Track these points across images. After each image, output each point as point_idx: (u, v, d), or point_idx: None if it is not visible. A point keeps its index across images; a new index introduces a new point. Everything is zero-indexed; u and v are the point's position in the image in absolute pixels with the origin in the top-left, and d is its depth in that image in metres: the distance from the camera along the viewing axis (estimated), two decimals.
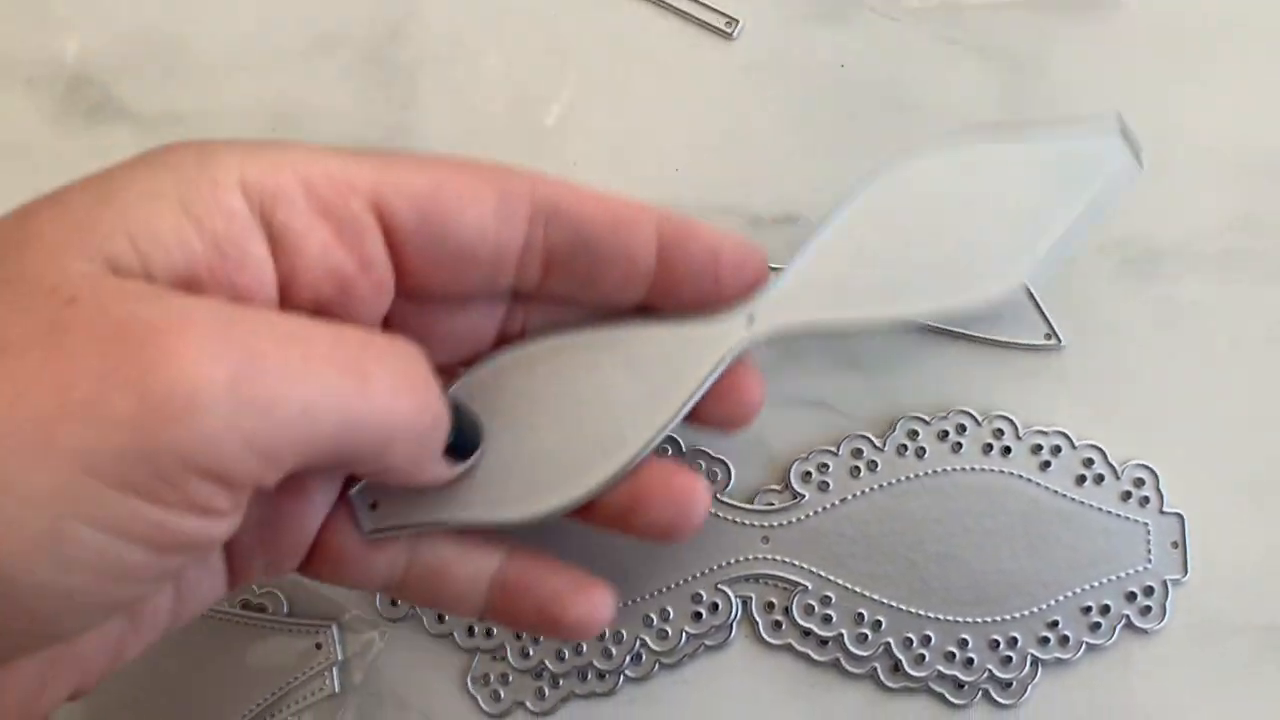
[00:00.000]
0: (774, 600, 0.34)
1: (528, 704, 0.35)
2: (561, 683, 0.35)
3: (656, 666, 0.34)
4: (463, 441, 0.26)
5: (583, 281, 0.27)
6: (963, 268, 0.28)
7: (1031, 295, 0.35)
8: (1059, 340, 0.35)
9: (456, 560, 0.28)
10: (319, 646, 0.35)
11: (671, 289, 0.28)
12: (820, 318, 0.28)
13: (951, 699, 0.34)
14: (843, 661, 0.34)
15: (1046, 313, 0.35)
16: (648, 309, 0.28)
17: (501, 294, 0.28)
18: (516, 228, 0.26)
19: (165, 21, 0.38)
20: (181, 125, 0.37)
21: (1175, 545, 0.34)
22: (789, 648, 0.34)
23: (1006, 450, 0.34)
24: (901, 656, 0.33)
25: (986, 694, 0.34)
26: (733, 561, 0.34)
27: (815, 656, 0.34)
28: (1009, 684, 0.34)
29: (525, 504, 0.27)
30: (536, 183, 0.26)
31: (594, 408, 0.28)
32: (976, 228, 0.28)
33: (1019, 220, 0.28)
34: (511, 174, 0.26)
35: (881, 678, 0.34)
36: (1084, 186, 0.28)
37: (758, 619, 0.34)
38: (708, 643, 0.34)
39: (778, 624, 0.34)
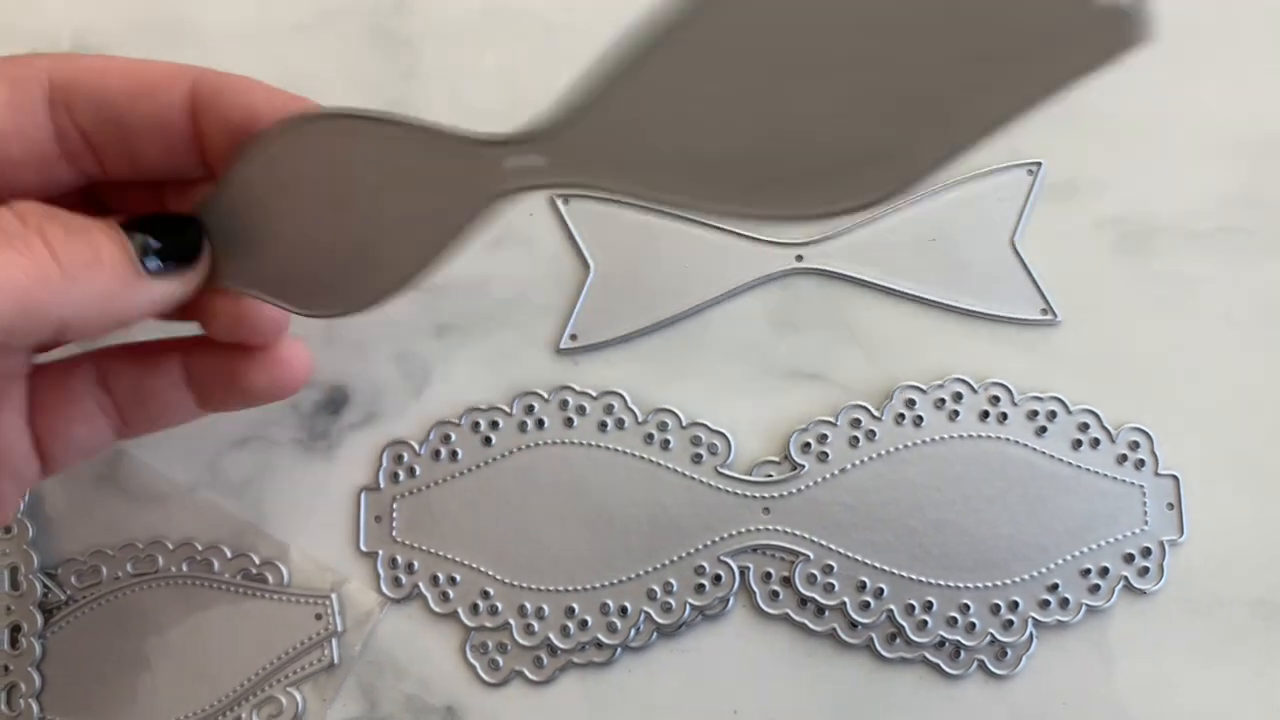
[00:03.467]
0: (771, 570, 0.34)
1: (526, 673, 0.35)
2: (560, 651, 0.35)
3: (654, 636, 0.35)
4: (164, 256, 0.25)
5: (129, 158, 0.26)
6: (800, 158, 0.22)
7: (1028, 271, 0.35)
8: (1055, 315, 0.35)
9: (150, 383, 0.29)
10: (319, 617, 0.35)
11: (218, 155, 0.26)
12: (621, 182, 0.23)
13: (947, 669, 0.34)
14: (839, 631, 0.34)
15: (1043, 288, 0.35)
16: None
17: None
18: (37, 117, 0.25)
19: None
20: None
21: (1171, 507, 0.34)
22: (786, 617, 0.34)
23: (1003, 417, 0.34)
24: (904, 623, 0.34)
25: (981, 664, 0.34)
26: (734, 533, 0.34)
27: (812, 626, 0.34)
28: (1004, 654, 0.34)
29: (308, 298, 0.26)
30: (52, 67, 0.25)
31: (378, 210, 0.25)
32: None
33: None
34: (20, 62, 0.25)
35: (878, 648, 0.34)
36: None
37: (755, 589, 0.34)
38: (706, 613, 0.34)
39: (775, 594, 0.34)
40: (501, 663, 0.35)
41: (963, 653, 0.34)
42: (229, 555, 0.35)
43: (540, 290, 0.36)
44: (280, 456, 0.36)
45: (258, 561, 0.35)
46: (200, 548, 0.35)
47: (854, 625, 0.34)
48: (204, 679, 0.35)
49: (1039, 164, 0.36)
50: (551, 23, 0.37)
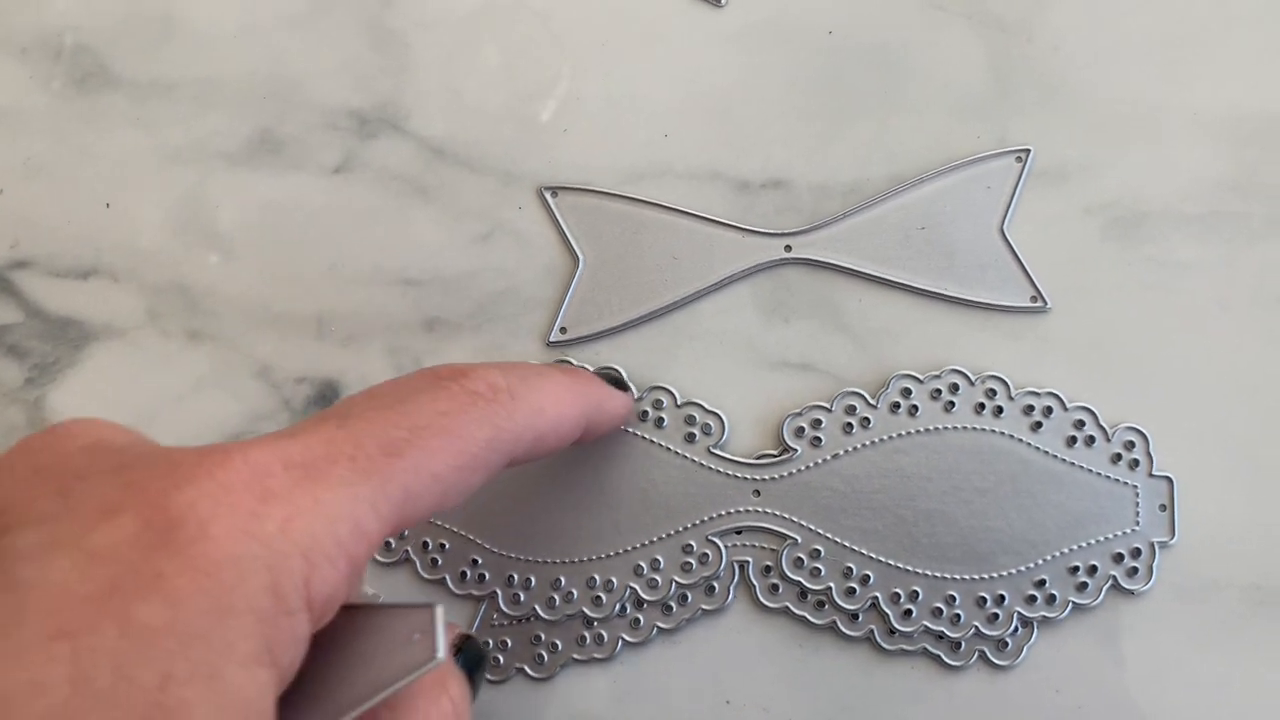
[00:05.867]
0: (770, 564, 0.34)
1: (527, 669, 0.35)
2: (560, 647, 0.35)
3: (654, 631, 0.35)
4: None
5: None
6: None
7: (1017, 258, 0.35)
8: (1045, 302, 0.35)
9: None
10: None
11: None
12: None
13: (948, 660, 0.34)
14: (839, 624, 0.34)
15: (1033, 275, 0.35)
16: None
17: None
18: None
19: None
20: (175, 93, 0.38)
21: (1163, 508, 0.34)
22: (786, 611, 0.34)
23: (999, 410, 0.34)
24: (889, 611, 0.34)
25: (983, 655, 0.34)
26: (723, 513, 0.34)
27: (812, 619, 0.34)
28: (1005, 645, 0.34)
29: None
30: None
31: None
32: None
33: None
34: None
35: (878, 640, 0.34)
36: None
37: (755, 583, 0.34)
38: (705, 607, 0.34)
39: (775, 588, 0.34)
40: (502, 660, 0.35)
41: (964, 644, 0.34)
42: None
43: (529, 283, 0.36)
44: None
45: None
46: None
47: (855, 617, 0.34)
48: None
49: (1027, 150, 0.35)
50: (547, 15, 0.37)
